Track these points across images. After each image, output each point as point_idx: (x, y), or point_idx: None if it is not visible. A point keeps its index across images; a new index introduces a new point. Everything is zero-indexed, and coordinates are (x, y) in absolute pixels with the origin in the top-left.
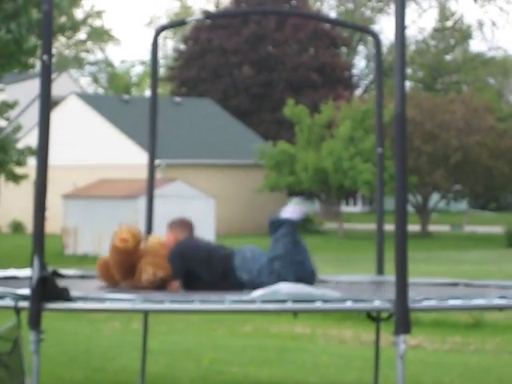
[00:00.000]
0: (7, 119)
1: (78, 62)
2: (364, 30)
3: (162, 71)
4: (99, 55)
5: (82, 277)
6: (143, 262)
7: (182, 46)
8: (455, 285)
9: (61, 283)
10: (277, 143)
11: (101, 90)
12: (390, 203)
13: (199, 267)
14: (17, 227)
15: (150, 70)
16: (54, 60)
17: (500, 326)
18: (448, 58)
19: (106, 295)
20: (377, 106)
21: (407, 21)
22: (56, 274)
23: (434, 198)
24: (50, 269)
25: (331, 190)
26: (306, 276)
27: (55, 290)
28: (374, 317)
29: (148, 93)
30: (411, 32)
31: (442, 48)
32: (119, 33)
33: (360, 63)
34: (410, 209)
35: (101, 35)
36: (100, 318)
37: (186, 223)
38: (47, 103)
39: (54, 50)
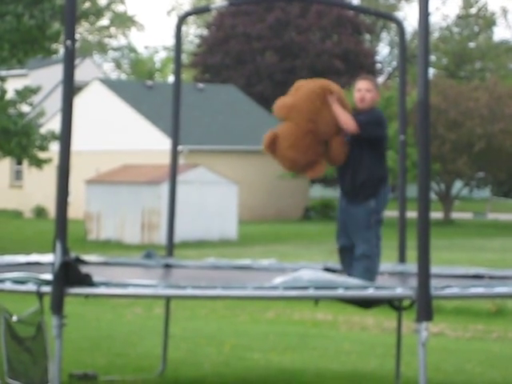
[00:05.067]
0: (31, 104)
1: (102, 48)
2: (387, 17)
3: (185, 57)
4: (122, 41)
5: (105, 263)
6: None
7: (206, 32)
8: (480, 277)
9: (83, 269)
10: None
11: (124, 76)
12: (412, 191)
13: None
14: (40, 212)
15: (174, 56)
16: (77, 45)
17: None
18: (472, 45)
19: (129, 281)
20: (400, 93)
21: (431, 8)
22: (79, 261)
23: (457, 185)
24: (72, 255)
25: None
26: None
27: (78, 275)
28: (395, 306)
29: (171, 79)
30: (435, 19)
31: (465, 35)
32: (143, 18)
33: (383, 50)
34: (433, 196)
35: (124, 21)
36: (122, 304)
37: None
38: (70, 89)
39: (77, 36)
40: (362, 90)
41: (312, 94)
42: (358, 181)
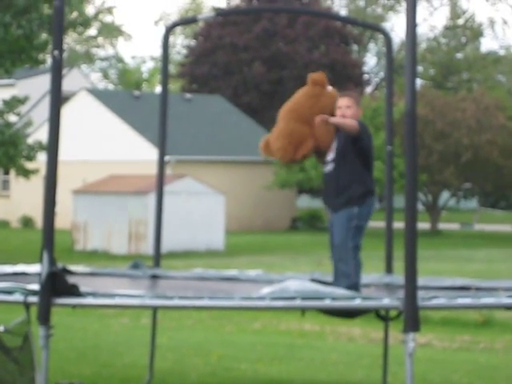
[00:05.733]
0: (18, 114)
1: (89, 58)
2: (375, 27)
3: (172, 67)
4: (110, 51)
5: (92, 274)
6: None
7: (193, 43)
8: (467, 288)
9: (70, 279)
10: None
11: (111, 86)
12: (399, 201)
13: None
14: (27, 222)
15: (161, 66)
16: (64, 55)
17: (509, 324)
18: (459, 56)
19: (116, 291)
20: (387, 103)
21: (418, 19)
22: (66, 271)
23: (444, 196)
24: (59, 265)
25: None
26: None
27: (65, 286)
28: (382, 316)
29: (159, 89)
30: (422, 30)
31: (453, 46)
32: (130, 29)
33: (371, 61)
34: (420, 207)
35: (111, 31)
36: (109, 314)
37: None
38: (57, 98)
39: (64, 46)
40: (342, 107)
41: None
42: (343, 190)
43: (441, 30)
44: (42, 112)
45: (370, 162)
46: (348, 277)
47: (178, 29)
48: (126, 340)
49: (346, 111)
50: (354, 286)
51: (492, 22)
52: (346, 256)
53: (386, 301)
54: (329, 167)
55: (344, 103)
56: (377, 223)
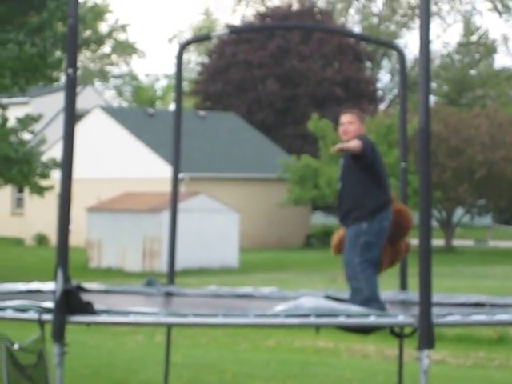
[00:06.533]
0: (32, 132)
1: (103, 76)
2: (388, 44)
3: (186, 85)
4: (124, 68)
5: (106, 291)
6: None
7: (207, 60)
8: (481, 305)
9: (85, 297)
10: (301, 157)
11: (125, 104)
12: (413, 218)
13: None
14: (41, 240)
15: (175, 83)
16: (78, 73)
17: None
18: (473, 72)
19: (130, 309)
20: (401, 120)
21: (432, 35)
22: (80, 289)
23: (458, 212)
24: (74, 283)
25: None
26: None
27: (79, 303)
28: (397, 333)
29: (172, 106)
30: (436, 47)
31: (466, 62)
32: (144, 46)
33: (384, 77)
34: (434, 223)
35: (125, 48)
36: (123, 332)
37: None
38: (72, 116)
39: (78, 64)
40: (345, 123)
41: None
42: (353, 207)
43: (454, 46)
44: (56, 130)
45: (380, 176)
46: (360, 292)
47: (192, 46)
48: (140, 357)
49: (348, 127)
50: (368, 301)
51: (506, 39)
52: (354, 272)
53: (401, 318)
54: (338, 186)
55: (346, 119)
56: None
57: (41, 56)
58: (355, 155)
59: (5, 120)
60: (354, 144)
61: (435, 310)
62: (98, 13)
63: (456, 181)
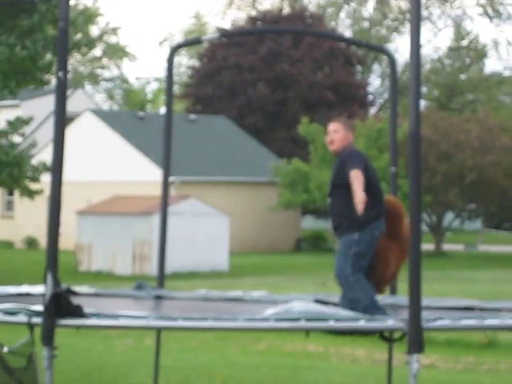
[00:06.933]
0: (22, 135)
1: (94, 79)
2: (379, 49)
3: (177, 88)
4: (114, 72)
5: (96, 294)
6: None
7: (197, 64)
8: (470, 309)
9: (74, 300)
10: (291, 161)
11: (116, 107)
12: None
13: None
14: (31, 243)
15: (165, 87)
16: (69, 76)
17: None
18: (463, 77)
19: (120, 312)
20: (391, 124)
21: (422, 40)
22: (70, 292)
23: (449, 217)
24: (63, 286)
25: None
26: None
27: (69, 307)
28: (386, 337)
29: (163, 110)
30: (426, 51)
31: (457, 67)
32: (135, 49)
33: (375, 82)
34: (424, 228)
35: (116, 52)
36: (113, 335)
37: (354, 129)
38: (62, 119)
39: (69, 67)
40: (330, 131)
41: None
42: (344, 219)
43: (445, 51)
44: (47, 133)
45: (371, 186)
46: (358, 302)
47: (183, 50)
48: (130, 361)
49: (332, 136)
50: (368, 309)
51: (496, 44)
52: (347, 283)
53: (391, 322)
54: (328, 200)
55: (331, 128)
56: None
57: (31, 59)
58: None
59: None
60: (360, 184)
61: (425, 314)
62: (89, 16)
63: (446, 185)
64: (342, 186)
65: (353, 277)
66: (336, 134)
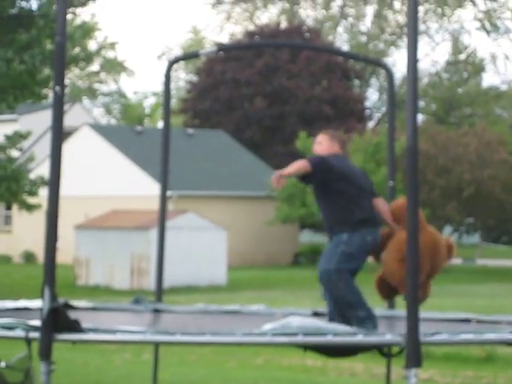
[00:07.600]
0: (20, 149)
1: (91, 93)
2: (376, 63)
3: (174, 103)
4: (112, 86)
5: (94, 309)
6: None
7: (195, 78)
8: (467, 321)
9: (72, 315)
10: None
11: (114, 121)
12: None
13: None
14: (29, 257)
15: (163, 101)
16: (66, 91)
17: None
18: (461, 91)
19: (118, 327)
20: (389, 138)
21: (420, 54)
22: (67, 306)
23: (446, 230)
24: (61, 300)
25: None
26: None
27: (66, 321)
28: (385, 352)
29: (161, 124)
30: (424, 65)
31: (454, 81)
32: (132, 64)
33: (373, 96)
34: None
35: (114, 66)
36: (111, 349)
37: (343, 142)
38: (59, 134)
39: (66, 81)
40: (315, 143)
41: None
42: (331, 223)
43: (443, 65)
44: (45, 147)
45: (348, 192)
46: (342, 299)
47: (181, 64)
48: (128, 375)
49: (316, 147)
50: (354, 306)
51: (494, 57)
52: (330, 282)
53: (388, 337)
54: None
55: (317, 140)
56: None
57: (29, 73)
58: (302, 177)
59: None
60: (297, 165)
61: (423, 329)
62: (87, 30)
63: (444, 199)
64: (320, 195)
65: (336, 275)
66: (319, 145)
